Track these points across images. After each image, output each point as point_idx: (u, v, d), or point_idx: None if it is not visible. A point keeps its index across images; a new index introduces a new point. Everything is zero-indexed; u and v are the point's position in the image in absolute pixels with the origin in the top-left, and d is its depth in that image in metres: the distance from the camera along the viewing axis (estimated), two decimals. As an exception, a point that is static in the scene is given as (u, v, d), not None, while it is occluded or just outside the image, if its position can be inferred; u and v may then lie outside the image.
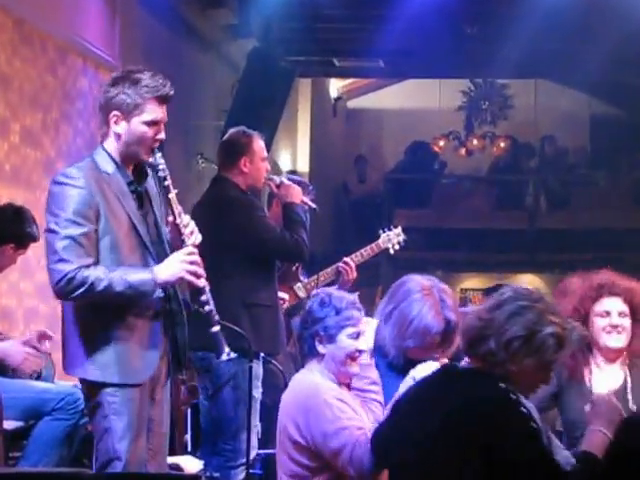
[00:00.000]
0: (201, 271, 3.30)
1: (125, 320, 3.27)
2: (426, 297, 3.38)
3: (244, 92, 8.19)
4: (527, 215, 12.40)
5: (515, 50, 8.43)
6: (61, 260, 3.20)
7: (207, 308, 3.33)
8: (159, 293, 3.31)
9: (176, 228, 3.36)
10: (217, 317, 3.35)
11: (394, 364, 3.41)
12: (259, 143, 4.53)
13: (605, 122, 13.22)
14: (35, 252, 5.65)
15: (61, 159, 6.16)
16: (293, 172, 9.75)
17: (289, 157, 11.72)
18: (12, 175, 5.64)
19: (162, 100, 3.31)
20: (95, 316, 3.28)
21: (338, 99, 13.45)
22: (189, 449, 4.89)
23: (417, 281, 3.44)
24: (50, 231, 3.24)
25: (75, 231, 3.21)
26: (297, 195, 4.56)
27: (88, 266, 3.20)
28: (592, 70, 9.46)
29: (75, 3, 6.35)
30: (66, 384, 4.54)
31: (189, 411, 4.93)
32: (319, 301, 3.28)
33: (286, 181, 4.62)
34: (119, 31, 6.84)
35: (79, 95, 6.36)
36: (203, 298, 3.33)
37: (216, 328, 3.36)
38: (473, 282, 12.41)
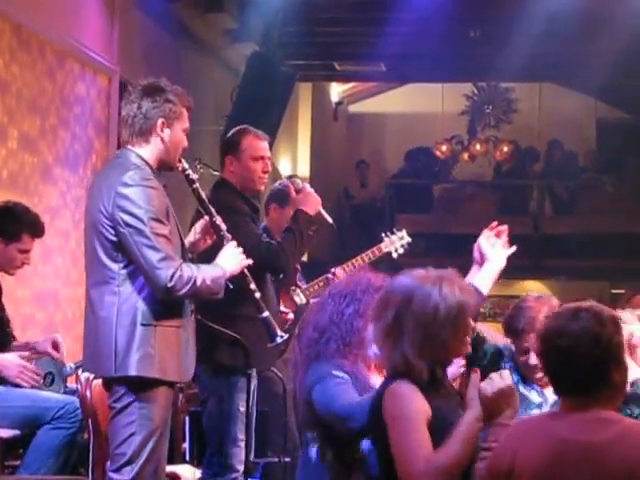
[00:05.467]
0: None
1: (181, 319, 3.36)
2: None
3: (244, 97, 8.14)
4: (531, 220, 12.32)
5: (519, 53, 8.38)
6: (164, 259, 3.24)
7: (257, 295, 3.66)
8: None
9: (212, 226, 3.60)
10: (264, 304, 3.68)
11: None
12: (252, 141, 4.32)
13: (611, 126, 13.15)
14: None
15: (59, 165, 6.12)
16: (293, 177, 9.70)
17: (289, 162, 11.68)
18: (10, 181, 5.61)
19: (189, 110, 3.52)
20: (161, 314, 3.31)
21: (339, 103, 13.42)
22: (187, 458, 4.84)
23: None
24: (139, 231, 3.25)
25: (164, 229, 3.30)
26: (313, 205, 4.32)
27: (183, 263, 3.29)
28: (597, 73, 9.41)
29: (73, 8, 6.32)
30: (72, 389, 4.52)
31: (187, 419, 4.87)
32: None
33: (308, 188, 4.42)
34: (118, 36, 6.80)
35: (77, 100, 6.33)
36: (253, 286, 3.64)
37: (265, 313, 3.67)
38: (476, 288, 12.33)
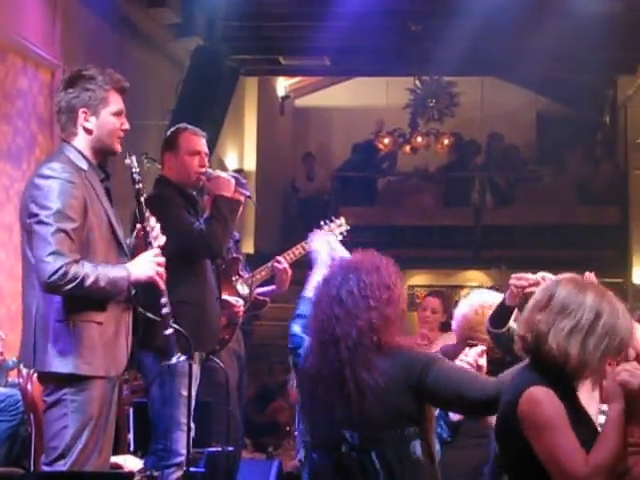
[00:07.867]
0: (164, 274, 3.42)
1: (103, 314, 3.33)
2: None
3: (188, 91, 8.17)
4: (473, 212, 12.50)
5: (460, 47, 8.49)
6: (54, 253, 3.21)
7: (165, 310, 3.43)
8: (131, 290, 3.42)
9: (143, 230, 3.45)
10: (172, 320, 3.44)
11: None
12: (188, 138, 4.43)
13: (551, 119, 13.38)
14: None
15: (1, 159, 6.10)
16: (239, 171, 9.74)
17: (236, 156, 11.70)
18: (-49, 176, 5.58)
19: (121, 91, 3.45)
20: (76, 310, 3.30)
21: (285, 97, 13.46)
22: (132, 448, 4.87)
23: None
24: (41, 223, 3.24)
25: (68, 225, 3.25)
26: (226, 187, 4.38)
27: (77, 261, 3.23)
28: (537, 67, 9.57)
29: (14, 2, 6.28)
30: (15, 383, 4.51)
31: (131, 410, 4.90)
32: None
33: (215, 173, 4.46)
34: (60, 30, 6.77)
35: (19, 95, 6.30)
36: (163, 300, 3.43)
37: (170, 331, 3.45)
38: (420, 279, 12.48)
